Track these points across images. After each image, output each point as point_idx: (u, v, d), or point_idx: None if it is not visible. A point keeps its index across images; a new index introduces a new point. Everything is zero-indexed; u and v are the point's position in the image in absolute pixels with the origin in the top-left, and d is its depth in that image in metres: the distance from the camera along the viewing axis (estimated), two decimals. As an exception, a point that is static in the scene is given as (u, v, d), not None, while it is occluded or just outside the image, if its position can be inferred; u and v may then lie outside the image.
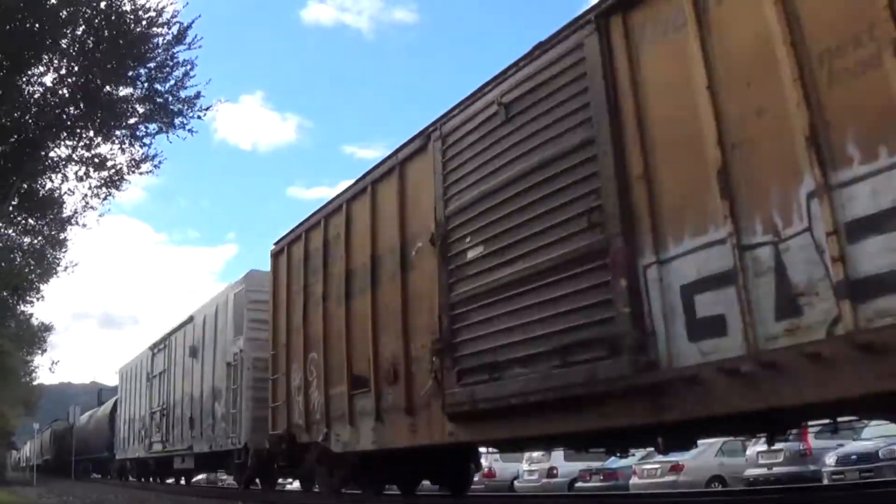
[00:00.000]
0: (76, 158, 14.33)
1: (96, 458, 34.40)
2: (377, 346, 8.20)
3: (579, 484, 17.69)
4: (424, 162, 7.64)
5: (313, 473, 11.71)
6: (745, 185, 4.50)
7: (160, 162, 14.38)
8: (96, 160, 14.25)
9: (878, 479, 11.17)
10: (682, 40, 4.99)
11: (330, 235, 9.63)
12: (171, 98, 13.21)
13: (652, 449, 20.19)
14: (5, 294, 22.48)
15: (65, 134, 13.47)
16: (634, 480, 16.53)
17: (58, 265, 21.25)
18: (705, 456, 16.84)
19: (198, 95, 13.36)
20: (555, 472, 18.43)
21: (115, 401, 30.84)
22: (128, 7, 12.26)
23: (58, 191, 15.62)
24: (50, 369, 40.14)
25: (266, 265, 13.06)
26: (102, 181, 14.62)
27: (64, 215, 16.82)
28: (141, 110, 13.48)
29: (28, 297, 24.15)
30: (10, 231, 18.07)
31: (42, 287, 23.26)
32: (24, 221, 17.66)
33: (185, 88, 13.23)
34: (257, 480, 14.75)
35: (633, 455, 19.07)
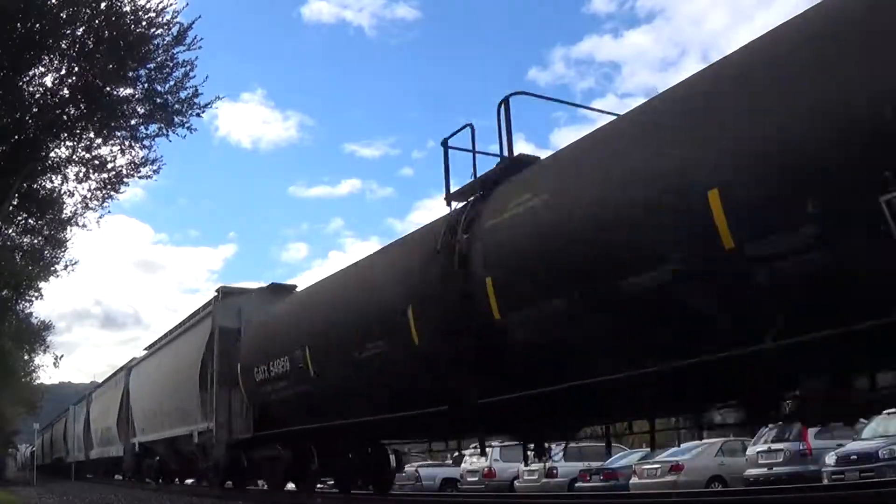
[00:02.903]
0: (76, 159, 14.34)
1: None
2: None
3: (579, 484, 17.70)
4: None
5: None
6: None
7: (160, 167, 14.39)
8: (96, 161, 14.25)
9: (878, 479, 11.17)
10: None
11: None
12: (170, 98, 13.18)
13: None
14: (5, 293, 22.47)
15: (65, 134, 13.45)
16: (634, 480, 16.55)
17: (57, 264, 21.26)
18: (705, 456, 16.87)
19: (196, 93, 13.33)
20: (555, 472, 18.44)
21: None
22: (128, 8, 12.23)
23: (57, 191, 15.63)
24: (54, 364, 39.70)
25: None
26: (102, 182, 14.61)
27: (64, 216, 16.85)
28: (141, 111, 13.45)
29: (28, 296, 24.17)
30: (10, 231, 18.07)
31: (42, 286, 23.26)
32: (23, 221, 17.66)
33: (185, 89, 13.20)
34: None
35: (633, 455, 19.14)
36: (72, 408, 38.06)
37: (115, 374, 27.94)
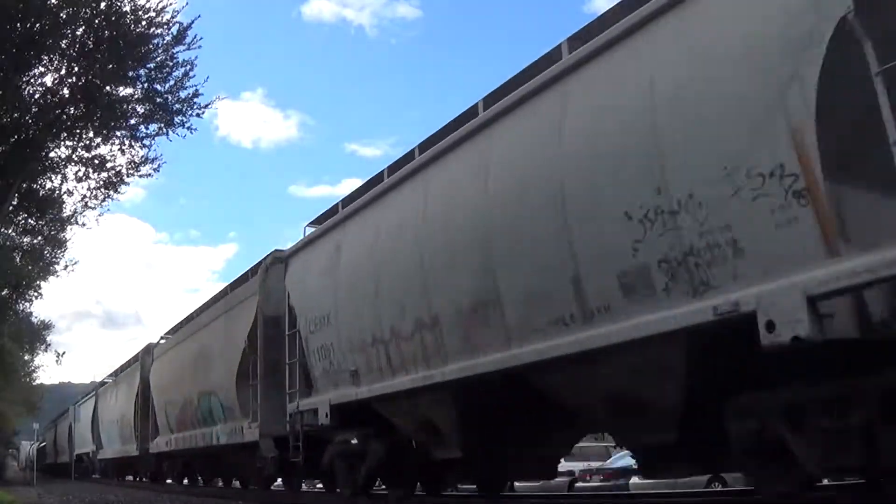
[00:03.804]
0: (76, 159, 14.38)
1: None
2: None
3: (579, 484, 17.66)
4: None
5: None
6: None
7: (160, 165, 14.42)
8: (96, 161, 14.29)
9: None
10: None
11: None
12: (170, 98, 13.21)
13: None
14: (6, 293, 22.52)
15: (65, 134, 13.49)
16: (634, 480, 16.51)
17: (57, 264, 21.34)
18: (705, 456, 16.80)
19: (196, 94, 13.36)
20: (555, 471, 18.37)
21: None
22: (128, 7, 12.27)
23: (57, 191, 15.67)
24: (57, 361, 39.82)
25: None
26: (102, 182, 14.66)
27: (64, 215, 16.91)
28: (141, 111, 13.49)
29: (28, 296, 24.24)
30: (10, 231, 18.12)
31: (42, 285, 23.33)
32: (23, 221, 17.71)
33: (185, 89, 13.24)
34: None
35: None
36: (93, 394, 37.17)
37: (221, 295, 14.94)
